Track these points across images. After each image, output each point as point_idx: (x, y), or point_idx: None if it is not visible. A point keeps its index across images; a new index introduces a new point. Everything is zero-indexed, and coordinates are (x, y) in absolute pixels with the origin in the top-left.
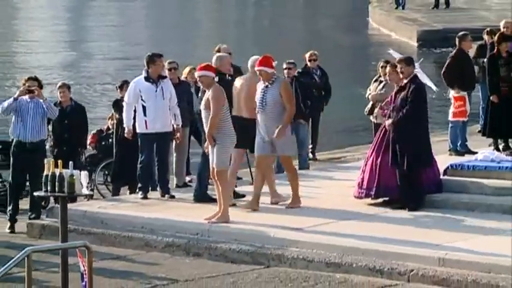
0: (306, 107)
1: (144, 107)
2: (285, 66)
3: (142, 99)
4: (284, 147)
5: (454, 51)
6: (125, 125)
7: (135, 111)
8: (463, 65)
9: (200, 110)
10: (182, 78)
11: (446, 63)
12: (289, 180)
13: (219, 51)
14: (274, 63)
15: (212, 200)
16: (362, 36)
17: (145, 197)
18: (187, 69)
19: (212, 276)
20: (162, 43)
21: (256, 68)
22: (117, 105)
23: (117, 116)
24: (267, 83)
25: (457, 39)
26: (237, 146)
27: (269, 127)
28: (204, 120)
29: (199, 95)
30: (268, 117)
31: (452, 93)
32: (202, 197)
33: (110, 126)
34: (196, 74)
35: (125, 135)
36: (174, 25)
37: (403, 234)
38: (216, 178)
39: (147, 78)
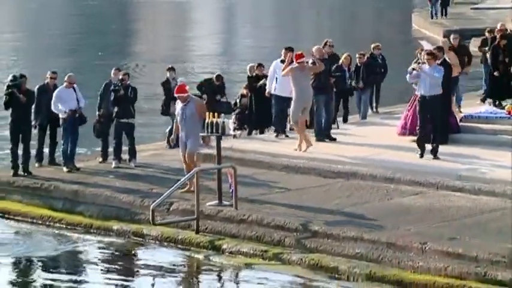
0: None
1: (277, 79)
2: (357, 55)
3: (276, 74)
4: (192, 147)
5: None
6: (266, 88)
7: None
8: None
9: None
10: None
11: None
12: (187, 170)
13: (326, 43)
14: (187, 88)
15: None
16: (407, 34)
17: (277, 136)
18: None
19: (312, 187)
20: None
21: (175, 94)
22: (252, 78)
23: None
24: (185, 103)
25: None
26: None
27: (188, 133)
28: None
29: None
30: (186, 125)
31: None
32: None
33: (244, 93)
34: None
35: (266, 94)
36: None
37: (434, 160)
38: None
39: (282, 61)
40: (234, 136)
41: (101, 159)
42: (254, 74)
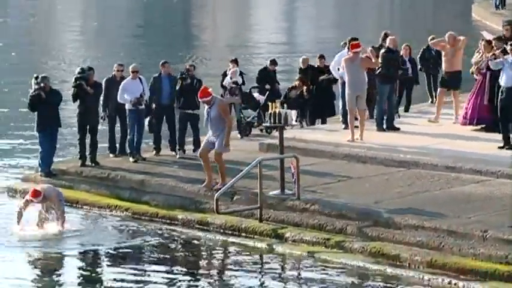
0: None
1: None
2: (403, 46)
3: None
4: (219, 147)
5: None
6: (334, 74)
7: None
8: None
9: None
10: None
11: None
12: (219, 168)
13: (386, 35)
14: (210, 90)
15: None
16: (468, 24)
17: (346, 128)
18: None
19: (374, 175)
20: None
21: (200, 100)
22: (304, 71)
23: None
24: (209, 105)
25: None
26: None
27: (214, 132)
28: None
29: None
30: (212, 126)
31: None
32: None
33: (296, 84)
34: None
35: (332, 83)
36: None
37: (493, 148)
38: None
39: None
40: (295, 126)
41: (155, 152)
42: (316, 66)
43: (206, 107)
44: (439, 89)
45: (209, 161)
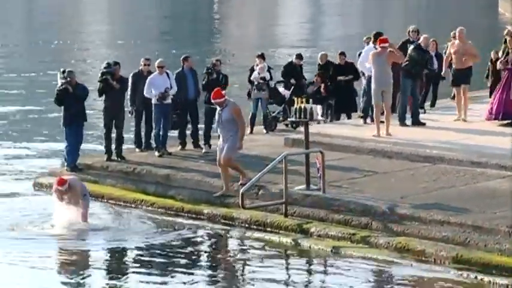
0: None
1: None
2: (430, 41)
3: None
4: (227, 151)
5: None
6: (363, 74)
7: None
8: None
9: None
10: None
11: None
12: (234, 170)
13: (411, 30)
14: (223, 92)
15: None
16: (494, 18)
17: (365, 122)
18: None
19: (399, 170)
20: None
21: (213, 101)
22: (323, 66)
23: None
24: (221, 108)
25: None
26: None
27: (224, 135)
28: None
29: None
30: (224, 130)
31: None
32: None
33: (314, 81)
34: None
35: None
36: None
37: None
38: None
39: (375, 48)
40: (322, 122)
41: (180, 147)
42: (337, 63)
43: (218, 109)
44: (454, 89)
45: (228, 170)
